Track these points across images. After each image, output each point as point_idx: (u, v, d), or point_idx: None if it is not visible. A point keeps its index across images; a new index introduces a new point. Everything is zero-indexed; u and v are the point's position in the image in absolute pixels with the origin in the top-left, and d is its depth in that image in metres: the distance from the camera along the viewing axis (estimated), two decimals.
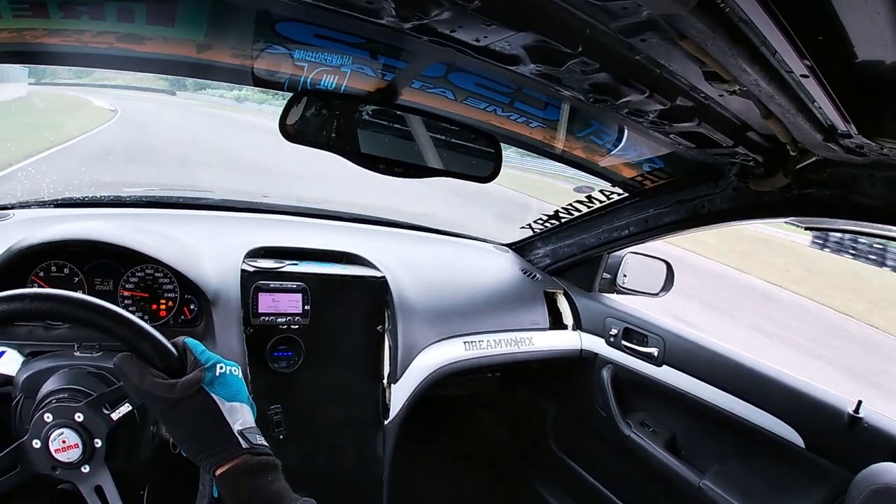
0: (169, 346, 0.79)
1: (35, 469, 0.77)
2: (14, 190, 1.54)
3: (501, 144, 1.25)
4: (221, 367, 0.80)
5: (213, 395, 0.77)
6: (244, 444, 0.76)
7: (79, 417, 0.78)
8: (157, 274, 1.28)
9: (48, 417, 0.78)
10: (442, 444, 2.39)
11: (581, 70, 0.93)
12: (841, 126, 0.91)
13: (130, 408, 0.80)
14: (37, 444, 0.77)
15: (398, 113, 1.23)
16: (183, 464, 0.81)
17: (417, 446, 2.12)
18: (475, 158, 1.29)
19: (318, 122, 1.17)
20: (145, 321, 0.80)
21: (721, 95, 0.95)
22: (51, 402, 0.81)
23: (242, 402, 0.80)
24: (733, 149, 1.20)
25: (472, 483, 2.31)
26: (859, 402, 1.35)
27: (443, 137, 1.26)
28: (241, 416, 0.78)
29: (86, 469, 0.78)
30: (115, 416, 0.79)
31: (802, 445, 1.41)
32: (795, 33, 0.63)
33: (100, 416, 0.79)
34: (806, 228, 1.51)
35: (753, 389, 1.54)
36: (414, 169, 1.24)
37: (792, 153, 1.12)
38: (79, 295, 0.78)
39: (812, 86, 0.74)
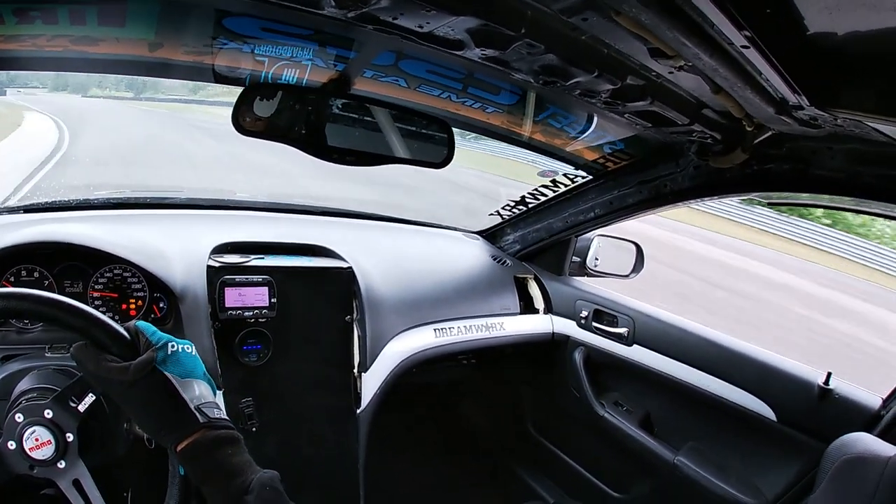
0: (121, 330, 0.79)
1: (13, 470, 0.79)
2: None
3: (461, 130, 1.23)
4: (173, 346, 0.80)
5: (166, 373, 0.77)
6: (201, 419, 0.77)
7: (48, 414, 0.79)
8: (125, 274, 1.28)
9: (19, 417, 0.79)
10: (419, 432, 2.40)
11: (527, 52, 0.91)
12: (791, 98, 0.89)
13: (94, 397, 0.81)
14: (11, 445, 0.78)
15: (349, 102, 1.21)
16: (164, 462, 0.82)
17: (394, 435, 2.11)
18: (429, 145, 1.27)
19: (269, 113, 1.13)
20: (116, 321, 0.80)
21: (670, 72, 0.93)
22: (21, 402, 0.82)
23: (198, 378, 0.81)
24: (690, 126, 1.18)
25: (451, 469, 2.33)
26: (829, 374, 1.37)
27: (396, 125, 1.24)
28: (197, 391, 0.79)
29: (62, 465, 0.80)
30: (81, 408, 0.80)
31: (774, 419, 1.43)
32: (732, 4, 0.60)
33: (67, 411, 0.80)
34: (768, 204, 1.51)
35: (723, 365, 1.55)
36: (368, 157, 1.22)
37: (748, 128, 1.10)
38: (32, 291, 0.78)
39: (755, 57, 0.72)
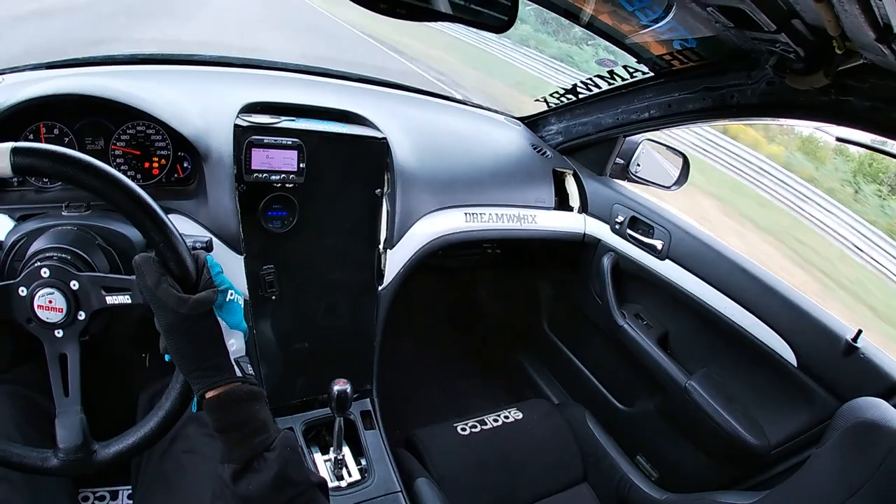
0: (189, 258, 0.77)
1: (10, 314, 0.79)
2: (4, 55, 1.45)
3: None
4: (231, 294, 0.80)
5: (219, 318, 0.78)
6: (238, 373, 0.78)
7: (74, 285, 0.78)
8: (148, 131, 1.24)
9: (45, 273, 0.78)
10: (436, 315, 2.47)
11: None
12: None
13: (129, 301, 0.79)
14: (23, 291, 0.78)
15: None
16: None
17: (412, 316, 2.19)
18: (489, 3, 1.12)
19: None
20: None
21: None
22: (51, 257, 0.81)
23: (243, 331, 0.82)
24: (775, 35, 1.04)
25: (460, 355, 2.42)
26: (859, 332, 1.32)
27: None
28: (237, 344, 0.80)
29: (59, 334, 0.80)
30: (109, 300, 0.79)
31: (795, 364, 1.40)
32: None
33: (95, 294, 0.79)
34: (837, 139, 1.37)
35: (754, 298, 1.51)
36: (420, 11, 1.08)
37: (838, 51, 0.96)
38: (127, 181, 0.73)
39: None
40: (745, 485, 1.52)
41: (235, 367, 0.78)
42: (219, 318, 0.78)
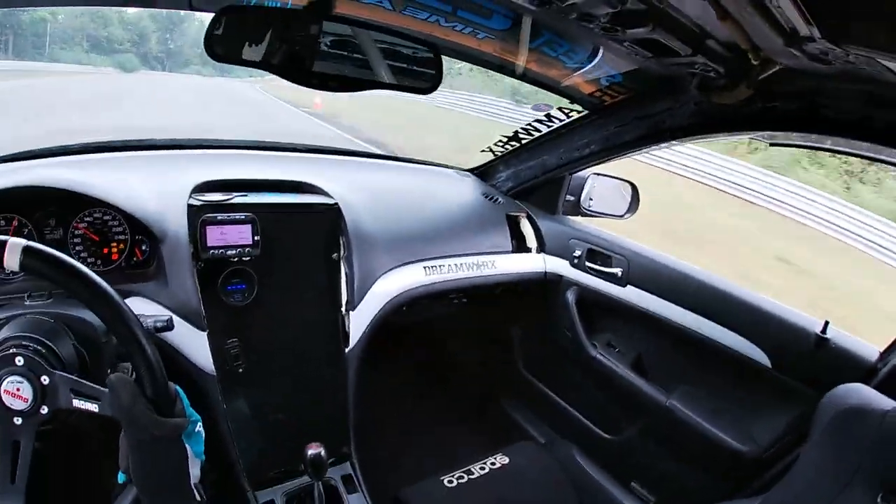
0: (169, 385, 0.78)
1: None
2: None
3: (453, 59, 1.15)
4: (200, 426, 0.83)
5: (187, 446, 0.80)
6: (197, 497, 0.81)
7: (45, 380, 0.77)
8: (105, 217, 1.25)
9: (19, 361, 0.77)
10: (410, 370, 2.43)
11: None
12: (803, 29, 0.82)
13: (96, 410, 0.78)
14: None
15: (332, 25, 1.11)
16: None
17: (385, 373, 2.14)
18: (416, 69, 1.20)
19: (245, 38, 1.05)
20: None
21: None
22: (26, 346, 0.80)
23: (201, 461, 0.84)
24: (692, 58, 1.10)
25: (440, 408, 2.37)
26: (826, 323, 1.34)
27: (380, 49, 1.16)
28: (196, 472, 0.82)
29: (17, 421, 0.77)
30: (76, 403, 0.78)
31: (769, 365, 1.42)
32: None
33: (63, 394, 0.78)
34: (771, 144, 1.44)
35: (718, 308, 1.53)
36: (351, 82, 1.15)
37: (754, 62, 1.02)
38: (120, 303, 0.76)
39: None
40: (743, 493, 1.49)
41: (195, 491, 0.81)
42: (187, 446, 0.79)
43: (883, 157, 1.22)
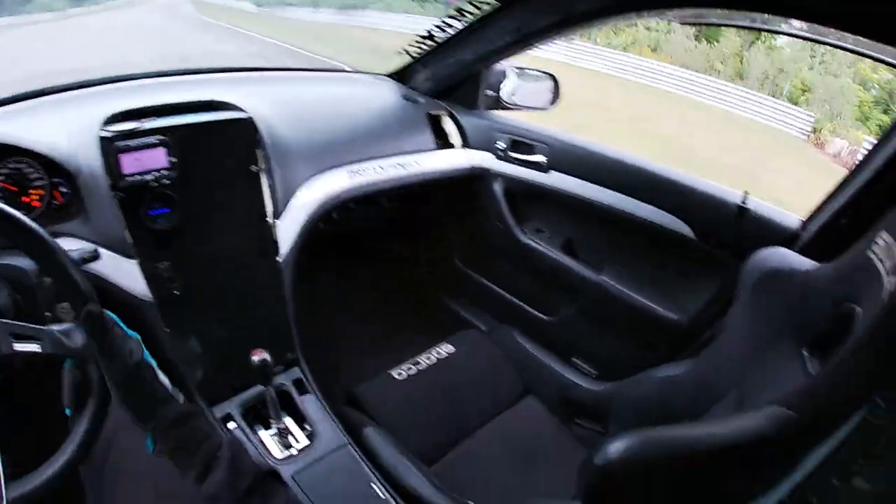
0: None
1: None
2: None
3: None
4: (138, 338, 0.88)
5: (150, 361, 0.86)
6: (181, 400, 0.87)
7: None
8: (19, 165, 1.22)
9: None
10: (350, 276, 2.50)
11: None
12: None
13: (38, 350, 0.79)
14: None
15: None
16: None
17: (325, 281, 2.22)
18: None
19: None
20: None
21: None
22: None
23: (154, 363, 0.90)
24: None
25: (382, 307, 2.47)
26: (746, 194, 1.42)
27: None
28: (166, 379, 0.89)
29: None
30: (17, 346, 0.78)
31: (693, 237, 1.51)
32: None
33: (3, 340, 0.78)
34: (682, 23, 1.45)
35: (640, 186, 1.61)
36: None
37: None
38: (44, 234, 0.80)
39: None
40: (677, 359, 1.57)
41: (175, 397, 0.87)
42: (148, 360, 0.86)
43: (788, 31, 1.23)
